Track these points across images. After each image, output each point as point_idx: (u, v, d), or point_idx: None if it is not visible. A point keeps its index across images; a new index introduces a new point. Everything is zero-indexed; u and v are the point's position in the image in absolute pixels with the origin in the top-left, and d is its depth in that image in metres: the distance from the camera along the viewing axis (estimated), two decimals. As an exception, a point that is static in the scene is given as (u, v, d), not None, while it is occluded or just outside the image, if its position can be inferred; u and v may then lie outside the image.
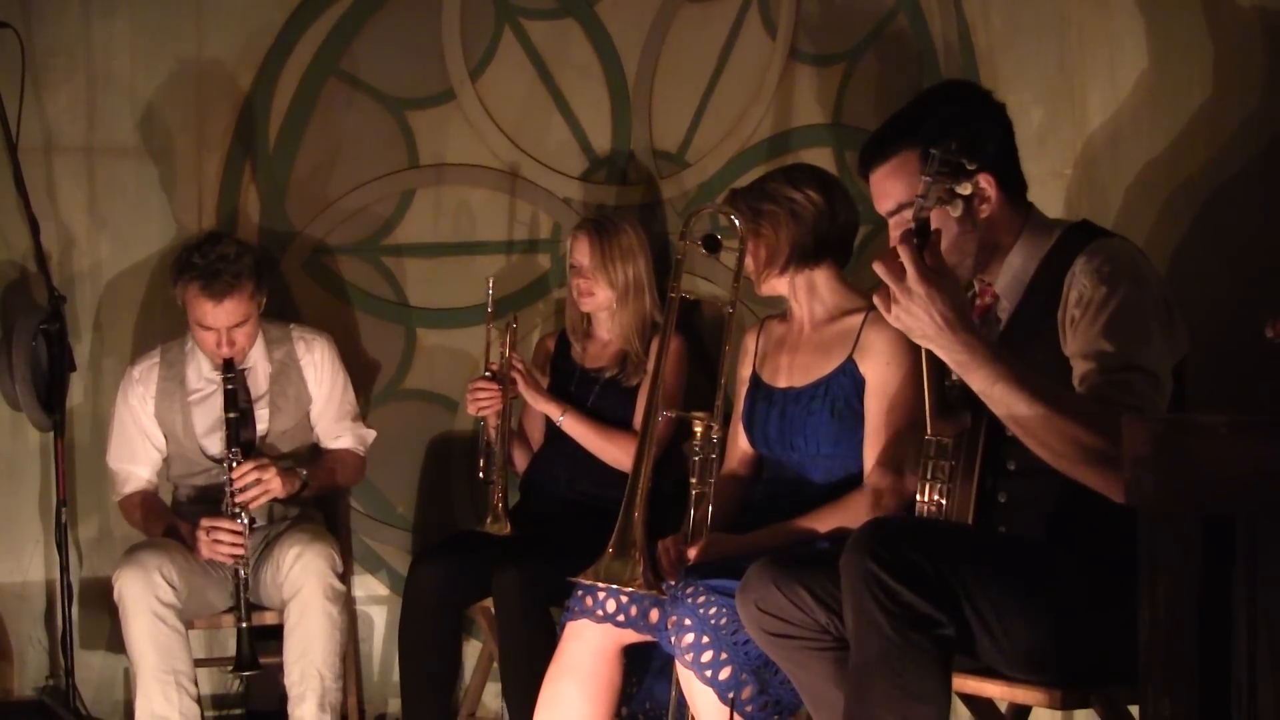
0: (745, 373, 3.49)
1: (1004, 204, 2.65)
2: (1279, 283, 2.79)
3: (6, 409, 4.08)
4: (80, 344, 4.12)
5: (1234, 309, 2.87)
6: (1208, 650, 1.91)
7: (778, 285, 3.36)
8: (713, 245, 3.39)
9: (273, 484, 3.75)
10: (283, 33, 4.25)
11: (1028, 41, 3.59)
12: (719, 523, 3.24)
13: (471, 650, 4.20)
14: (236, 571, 3.71)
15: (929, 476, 2.59)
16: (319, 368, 4.02)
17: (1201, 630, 1.91)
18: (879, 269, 2.39)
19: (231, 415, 3.77)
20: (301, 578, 3.67)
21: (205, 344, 3.85)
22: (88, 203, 4.20)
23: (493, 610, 3.69)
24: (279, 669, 3.80)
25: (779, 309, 3.51)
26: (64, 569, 3.89)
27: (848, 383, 3.25)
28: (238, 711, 4.23)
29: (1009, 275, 2.67)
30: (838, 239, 3.35)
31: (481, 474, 3.97)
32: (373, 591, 4.33)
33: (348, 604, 3.84)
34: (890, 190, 2.68)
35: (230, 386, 3.79)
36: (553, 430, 3.98)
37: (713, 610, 2.96)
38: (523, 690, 3.47)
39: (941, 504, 2.58)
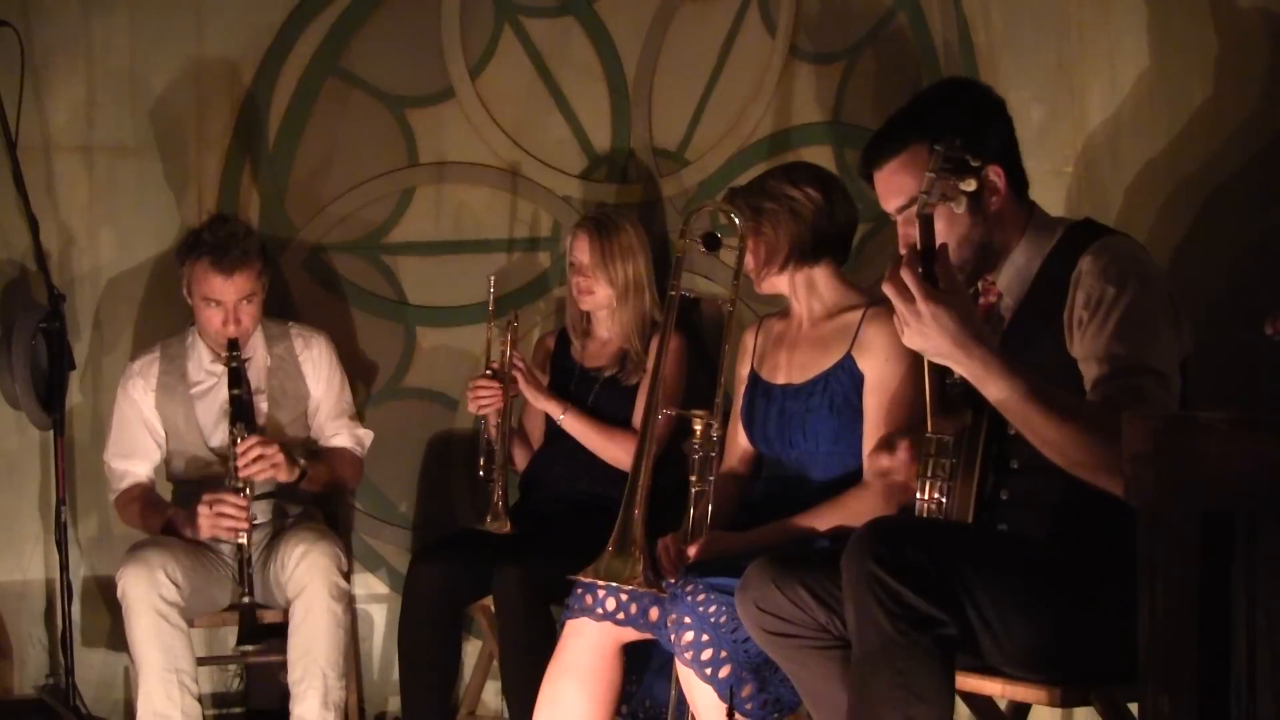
0: (744, 370, 3.49)
1: (1010, 199, 2.65)
2: (1279, 280, 2.79)
3: (6, 407, 4.08)
4: (80, 343, 4.11)
5: (1234, 306, 2.87)
6: (1207, 648, 1.90)
7: (777, 283, 3.36)
8: (712, 243, 3.39)
9: (277, 459, 3.75)
10: (282, 31, 4.25)
11: (1027, 39, 3.59)
12: (719, 521, 3.24)
13: (471, 648, 4.20)
14: (240, 546, 3.70)
15: (929, 474, 2.58)
16: (317, 364, 4.03)
17: (1201, 628, 1.91)
18: (888, 289, 2.40)
19: (235, 392, 3.78)
20: (306, 576, 3.67)
21: (211, 323, 3.85)
22: (87, 201, 4.20)
23: (493, 608, 3.69)
24: (280, 667, 3.81)
25: (778, 307, 3.51)
26: (64, 567, 3.89)
27: (846, 379, 3.25)
28: (238, 710, 4.23)
29: (1012, 273, 2.67)
30: (837, 237, 3.35)
31: (482, 472, 3.97)
32: (372, 590, 4.33)
33: (351, 603, 3.85)
34: (900, 185, 2.66)
35: (235, 365, 3.79)
36: (553, 429, 3.98)
37: (712, 608, 2.96)
38: (523, 688, 3.47)
39: (942, 502, 2.58)
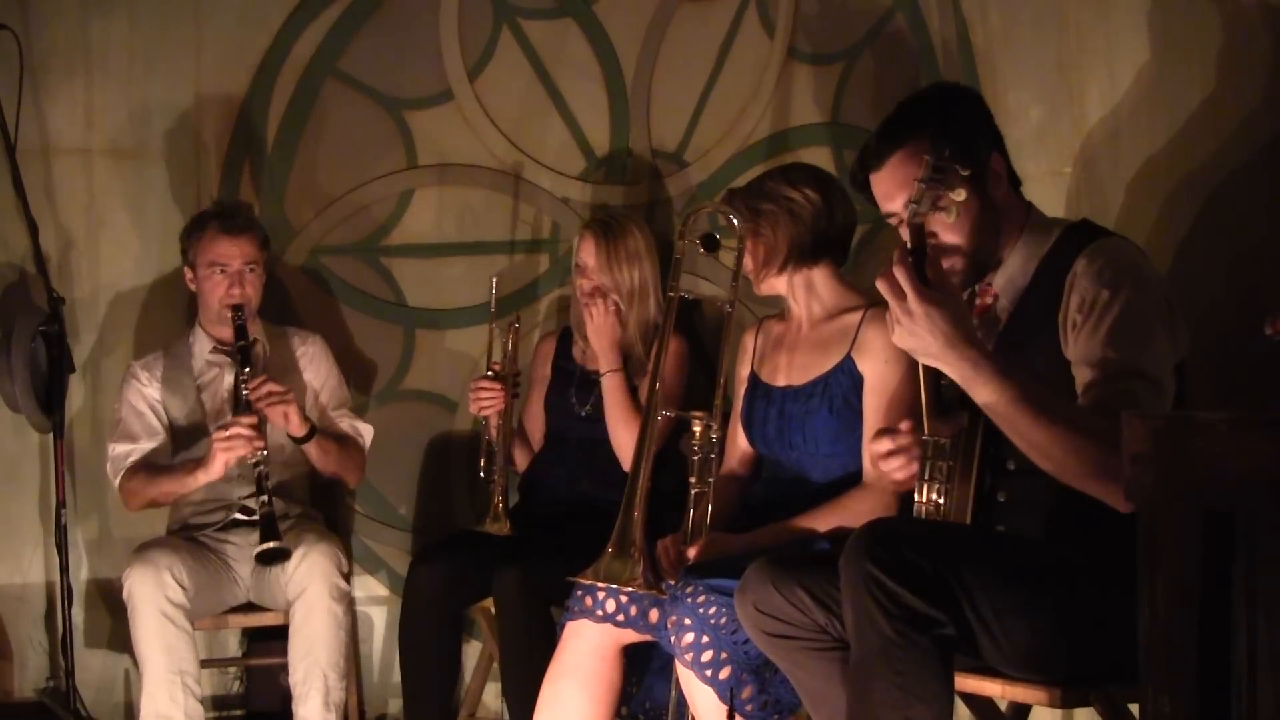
0: (744, 371, 3.49)
1: (1009, 191, 2.66)
2: (1279, 280, 2.79)
3: (6, 410, 4.07)
4: (79, 345, 4.11)
5: (1234, 306, 2.87)
6: (1207, 648, 1.90)
7: (776, 284, 3.36)
8: (711, 244, 3.39)
9: (289, 396, 3.78)
10: (280, 33, 4.25)
11: (1026, 40, 3.59)
12: (718, 522, 3.23)
13: (471, 650, 4.20)
14: (258, 464, 3.70)
15: (927, 477, 2.58)
16: (314, 360, 4.07)
17: (1201, 628, 1.90)
18: (881, 287, 2.41)
19: (242, 343, 3.82)
20: (307, 577, 3.68)
21: (216, 290, 3.89)
22: (86, 204, 4.20)
23: (493, 610, 3.69)
24: (280, 669, 3.80)
25: (778, 308, 3.51)
26: (64, 570, 3.88)
27: (846, 381, 3.25)
28: (238, 712, 4.23)
29: (1009, 275, 2.68)
30: (836, 238, 3.35)
31: (482, 473, 3.97)
32: (372, 592, 4.33)
33: (351, 604, 3.85)
34: (903, 179, 2.64)
35: (240, 322, 3.84)
36: (553, 430, 3.99)
37: (712, 610, 2.96)
38: (523, 690, 3.47)
39: (939, 504, 2.58)
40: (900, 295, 2.39)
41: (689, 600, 3.00)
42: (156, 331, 4.18)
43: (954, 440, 2.58)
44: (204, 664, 3.83)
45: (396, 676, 3.90)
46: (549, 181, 4.37)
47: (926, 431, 2.58)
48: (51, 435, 3.94)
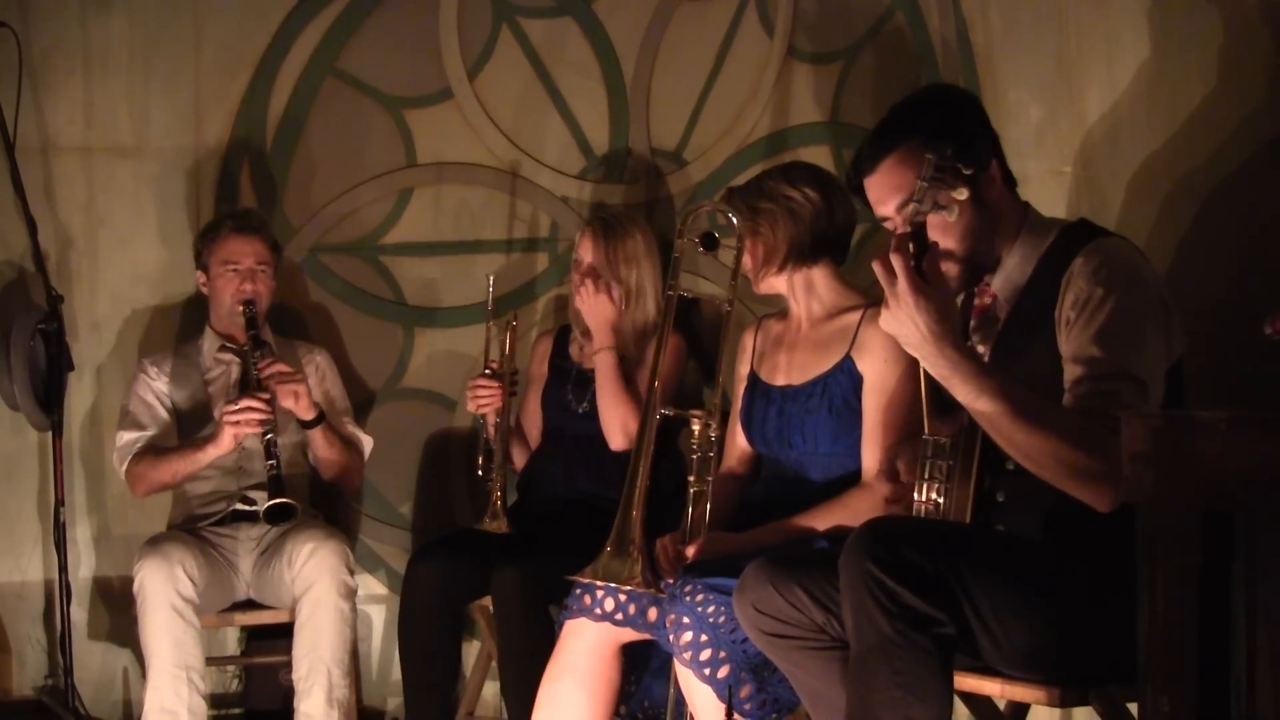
0: (743, 370, 3.48)
1: (1005, 193, 2.66)
2: (1278, 280, 2.79)
3: (5, 409, 4.07)
4: (78, 343, 4.11)
5: (1234, 305, 2.87)
6: (1207, 647, 1.90)
7: (775, 283, 3.36)
8: (710, 243, 3.39)
9: (299, 377, 3.86)
10: (280, 31, 4.25)
11: (1025, 39, 3.59)
12: (717, 521, 3.23)
13: (470, 649, 4.20)
14: (267, 433, 3.78)
15: (926, 476, 2.59)
16: (320, 369, 4.11)
17: (1200, 627, 1.90)
18: (877, 267, 2.41)
19: (253, 333, 3.89)
20: (315, 573, 3.69)
21: (228, 288, 3.96)
22: (85, 202, 4.20)
23: (491, 609, 3.69)
24: (279, 667, 3.80)
25: (777, 307, 3.51)
26: (62, 568, 3.88)
27: (845, 380, 3.25)
28: (236, 710, 4.23)
29: (1007, 275, 2.68)
30: (835, 237, 3.34)
31: (480, 472, 3.97)
32: (371, 590, 4.33)
33: (355, 602, 3.86)
34: (897, 183, 2.65)
35: (250, 314, 3.90)
36: (551, 428, 3.98)
37: (711, 609, 2.96)
38: (521, 689, 3.47)
39: (939, 504, 2.58)
40: (892, 278, 2.40)
41: (687, 599, 2.99)
42: (155, 329, 4.19)
43: (954, 440, 2.58)
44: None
45: (395, 675, 3.90)
46: (548, 180, 4.37)
47: (927, 431, 2.58)
48: (50, 433, 3.94)
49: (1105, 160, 3.29)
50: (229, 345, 4.02)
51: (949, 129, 2.60)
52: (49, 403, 3.93)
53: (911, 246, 2.42)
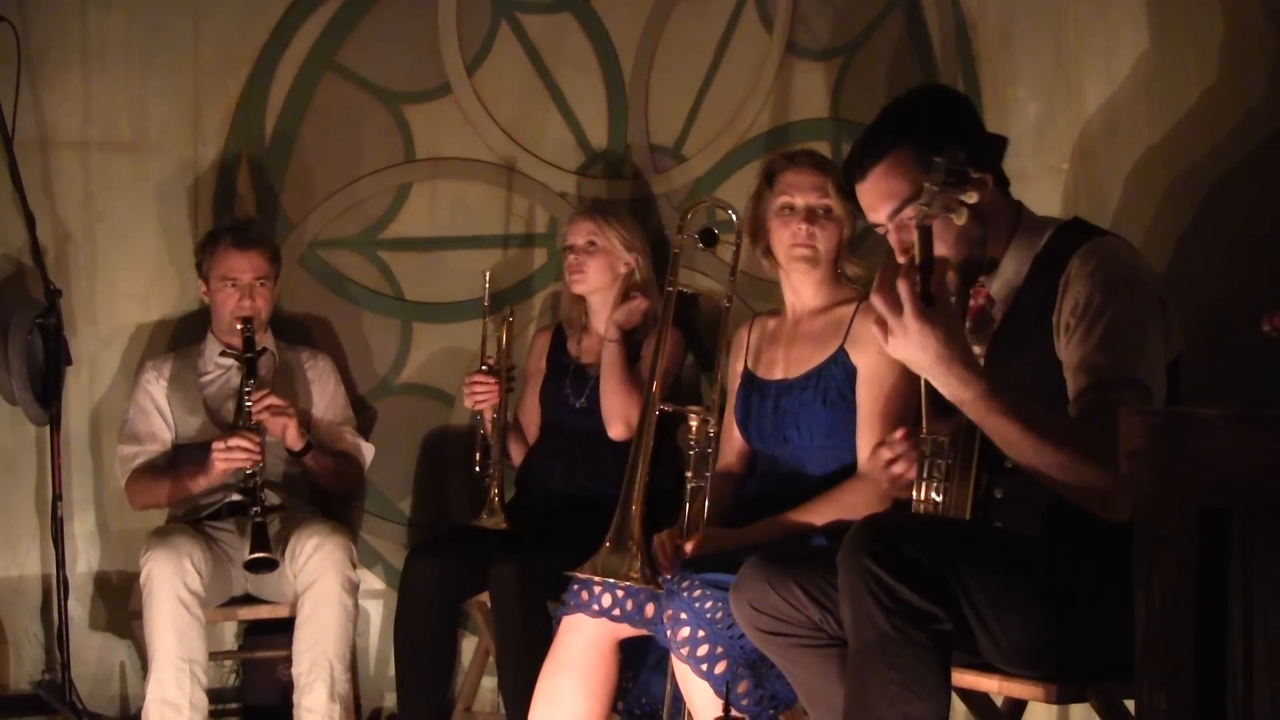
0: (737, 367, 3.48)
1: (997, 194, 2.65)
2: (1277, 277, 2.78)
3: (2, 403, 4.07)
4: (76, 338, 4.11)
5: (1232, 302, 2.86)
6: (1204, 644, 1.90)
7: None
8: (709, 239, 3.39)
9: (289, 410, 3.85)
10: (279, 26, 4.25)
11: (1024, 35, 3.59)
12: (715, 518, 3.23)
13: (468, 644, 4.20)
14: (253, 474, 3.77)
15: (925, 475, 2.58)
16: (321, 375, 4.12)
17: (1198, 624, 1.90)
18: (875, 302, 2.40)
19: (249, 355, 3.87)
20: (320, 568, 3.70)
21: (228, 303, 3.96)
22: (84, 197, 4.19)
23: (489, 604, 3.69)
24: (277, 663, 3.80)
25: (775, 304, 3.51)
26: (60, 563, 3.88)
27: (839, 372, 3.25)
28: (233, 706, 4.23)
29: (1003, 276, 2.67)
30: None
31: (478, 468, 3.97)
32: (369, 586, 4.32)
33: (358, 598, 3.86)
34: (890, 189, 2.64)
35: (248, 334, 3.89)
36: (549, 423, 3.98)
37: (708, 604, 2.96)
38: (519, 684, 3.47)
39: (938, 502, 2.58)
40: (896, 309, 2.40)
41: (685, 595, 2.99)
42: (153, 324, 4.18)
43: (952, 439, 2.58)
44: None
45: (392, 671, 3.90)
46: (546, 176, 4.36)
47: (925, 430, 2.58)
48: (48, 428, 3.94)
49: (1104, 156, 3.29)
50: (230, 351, 4.01)
51: (940, 134, 2.58)
52: (47, 397, 3.92)
53: (920, 269, 2.41)
